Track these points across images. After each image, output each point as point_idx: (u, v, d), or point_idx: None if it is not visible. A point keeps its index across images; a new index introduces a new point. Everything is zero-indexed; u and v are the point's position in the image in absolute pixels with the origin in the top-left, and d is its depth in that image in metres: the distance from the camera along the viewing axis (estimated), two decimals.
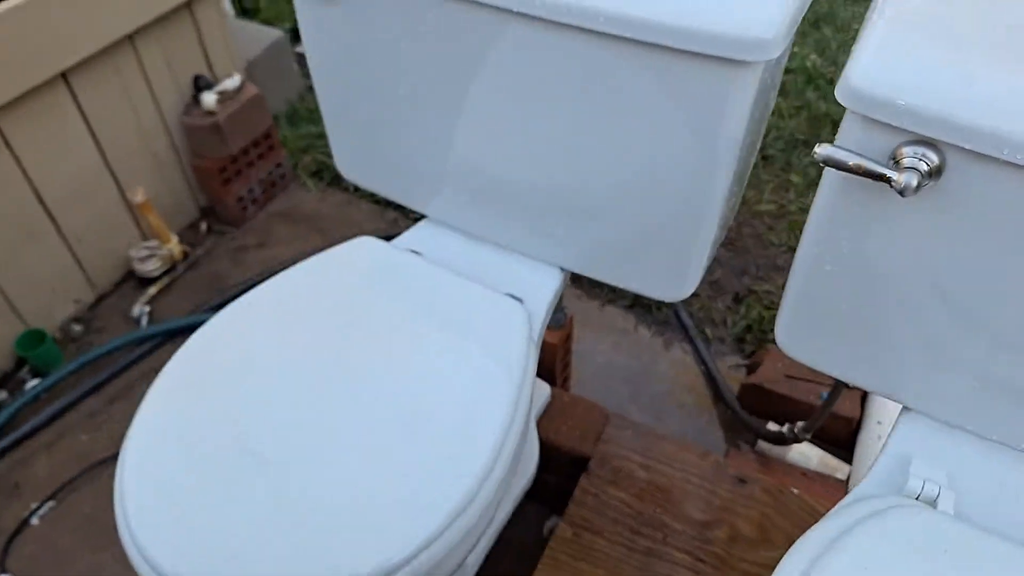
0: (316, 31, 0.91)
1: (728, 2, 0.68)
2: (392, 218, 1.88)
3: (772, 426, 1.38)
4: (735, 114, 0.73)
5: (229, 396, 0.82)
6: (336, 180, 1.95)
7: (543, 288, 0.96)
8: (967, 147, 0.61)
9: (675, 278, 0.89)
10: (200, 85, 1.66)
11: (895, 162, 0.65)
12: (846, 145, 0.67)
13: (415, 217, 1.86)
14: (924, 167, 0.63)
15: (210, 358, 0.87)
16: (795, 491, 1.18)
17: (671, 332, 1.59)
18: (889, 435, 0.83)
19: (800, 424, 1.19)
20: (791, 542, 1.12)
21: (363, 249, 0.97)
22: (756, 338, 1.56)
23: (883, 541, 0.69)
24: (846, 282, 0.75)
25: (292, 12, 2.37)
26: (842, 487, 1.28)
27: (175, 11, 1.56)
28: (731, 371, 1.53)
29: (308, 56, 0.94)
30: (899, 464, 0.79)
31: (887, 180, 0.63)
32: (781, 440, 1.27)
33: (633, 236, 0.87)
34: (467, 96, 0.86)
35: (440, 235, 1.03)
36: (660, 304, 1.63)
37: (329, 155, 1.97)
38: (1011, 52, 0.62)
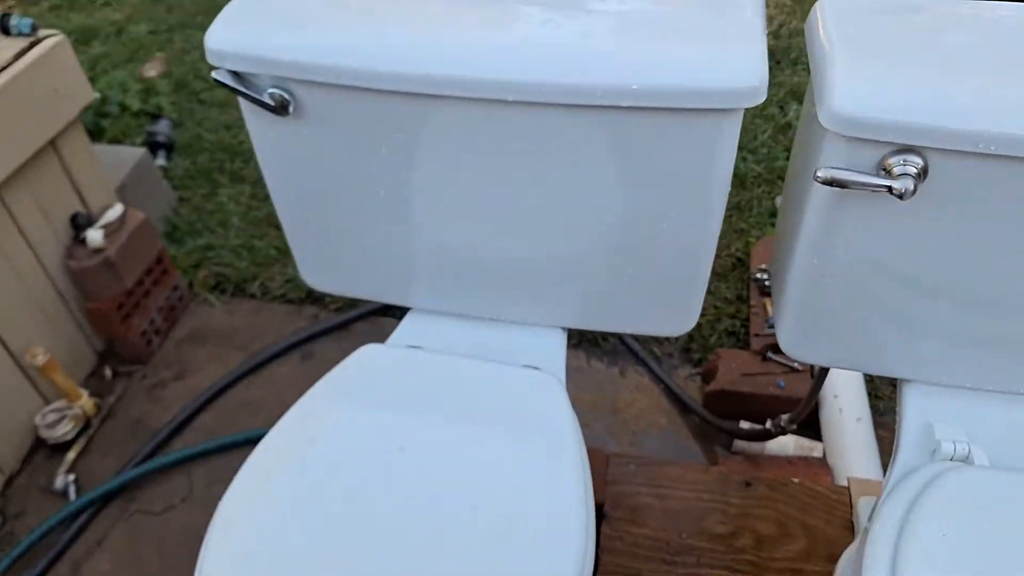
0: (270, 145, 0.87)
1: (710, 57, 0.73)
2: (311, 313, 1.81)
3: (745, 424, 1.46)
4: (725, 156, 0.78)
5: (310, 538, 0.76)
6: (239, 289, 1.85)
7: (554, 352, 0.97)
8: (947, 148, 0.69)
9: (682, 314, 0.93)
10: (79, 223, 1.53)
11: (885, 171, 0.73)
12: (833, 164, 0.74)
13: (336, 307, 1.81)
14: (913, 171, 0.71)
15: (266, 515, 0.79)
16: (795, 480, 1.26)
17: (622, 360, 1.64)
18: (901, 410, 0.91)
19: (785, 416, 1.27)
20: (807, 530, 1.20)
21: (371, 361, 0.93)
22: (700, 345, 1.64)
23: (949, 506, 0.75)
24: (844, 283, 0.82)
25: (140, 126, 2.24)
26: (824, 465, 1.38)
27: (39, 152, 1.43)
28: (688, 382, 1.60)
29: (264, 169, 0.91)
30: (924, 432, 0.87)
31: (888, 189, 0.71)
32: (766, 436, 1.34)
33: (635, 286, 0.91)
34: (440, 186, 0.86)
35: (432, 323, 1.01)
36: (605, 335, 1.68)
37: (225, 264, 1.87)
38: (961, 64, 0.71)
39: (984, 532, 0.73)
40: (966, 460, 0.82)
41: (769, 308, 1.60)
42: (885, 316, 0.85)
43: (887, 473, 0.88)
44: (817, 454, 1.41)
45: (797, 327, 0.90)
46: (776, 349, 1.54)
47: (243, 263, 1.88)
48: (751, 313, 1.61)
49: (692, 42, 0.74)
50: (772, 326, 1.56)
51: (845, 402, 1.43)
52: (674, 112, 0.74)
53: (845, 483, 1.29)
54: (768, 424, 1.33)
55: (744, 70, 0.72)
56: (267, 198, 2.04)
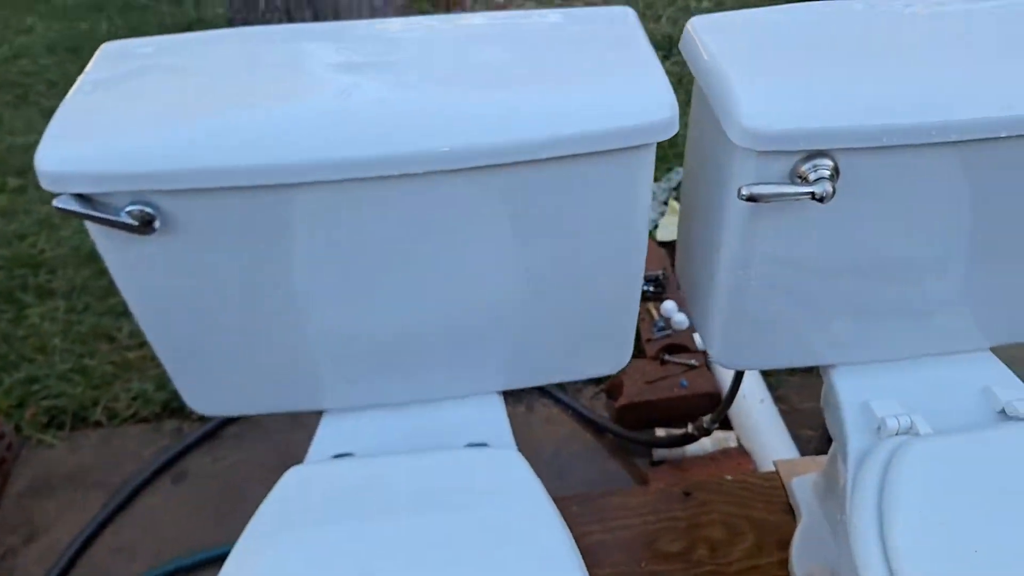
0: (133, 270, 0.74)
1: (615, 95, 0.70)
2: (173, 428, 1.60)
3: (662, 432, 1.47)
4: (643, 189, 0.76)
5: None
6: (80, 419, 1.60)
7: (495, 420, 0.90)
8: (856, 147, 0.71)
9: (618, 349, 0.90)
10: None
11: (800, 178, 0.74)
12: (746, 179, 0.75)
13: (197, 417, 1.61)
14: (827, 173, 0.72)
15: None
16: (728, 477, 1.27)
17: (526, 395, 1.60)
18: (831, 394, 0.94)
19: (706, 418, 1.28)
20: (753, 524, 1.21)
21: (299, 486, 0.81)
22: None
23: (918, 481, 0.78)
24: (770, 287, 0.83)
25: None
26: (742, 452, 1.41)
27: None
28: (594, 402, 1.59)
29: (127, 295, 0.76)
30: (863, 413, 0.90)
31: (811, 195, 0.72)
32: (689, 440, 1.35)
33: (567, 334, 0.87)
34: (331, 275, 0.77)
35: (354, 422, 0.91)
36: None
37: (56, 395, 1.62)
38: (849, 62, 0.74)
39: (961, 496, 0.76)
40: (910, 431, 0.86)
41: (654, 312, 1.63)
42: (811, 309, 0.87)
43: (839, 460, 0.91)
44: (732, 443, 1.45)
45: (729, 339, 0.90)
46: (671, 350, 1.57)
47: (77, 389, 1.63)
48: (639, 320, 1.63)
49: (590, 83, 0.72)
50: (662, 329, 1.58)
51: (746, 387, 1.48)
52: (586, 157, 0.71)
53: (768, 467, 1.33)
54: (689, 428, 1.34)
55: (654, 103, 0.70)
56: (87, 309, 1.79)
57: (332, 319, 0.81)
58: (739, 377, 1.16)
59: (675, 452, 1.44)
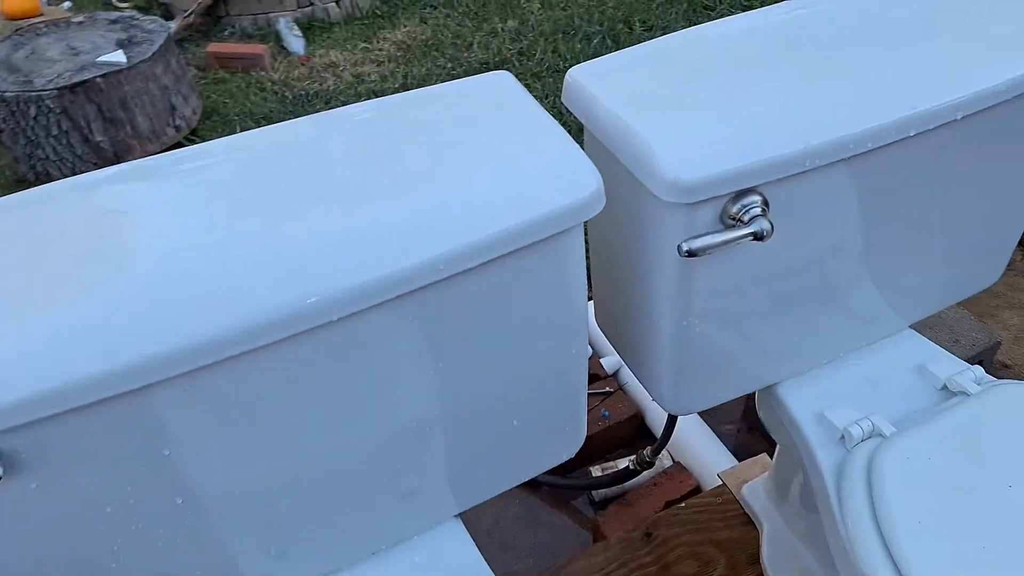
0: None
1: (537, 176, 0.63)
2: None
3: (597, 470, 1.41)
4: (578, 267, 0.69)
5: None
6: None
7: (461, 549, 0.79)
8: (783, 176, 0.68)
9: (571, 435, 0.82)
10: None
11: (732, 219, 0.69)
12: (677, 233, 0.70)
13: None
14: (758, 210, 0.69)
15: None
16: (682, 505, 1.24)
17: None
18: (781, 411, 0.92)
19: (647, 450, 1.24)
20: (720, 547, 1.19)
21: None
22: None
23: (903, 485, 0.76)
24: (714, 328, 0.79)
25: None
26: (681, 469, 1.39)
27: None
28: None
29: None
30: (820, 424, 0.88)
31: (752, 236, 0.67)
32: (632, 476, 1.31)
33: (519, 436, 0.78)
34: (245, 458, 0.64)
35: None
36: None
37: None
38: (751, 90, 0.70)
39: (949, 490, 0.75)
40: (874, 433, 0.85)
41: None
42: (754, 337, 0.84)
43: (800, 469, 0.88)
44: (668, 462, 1.42)
45: (680, 388, 0.85)
46: None
47: None
48: None
49: (498, 170, 0.63)
50: None
51: None
52: (511, 255, 0.62)
53: (710, 479, 1.32)
54: (629, 464, 1.29)
55: (577, 178, 0.63)
56: None
57: (241, 511, 0.66)
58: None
59: (614, 489, 1.39)
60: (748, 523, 1.20)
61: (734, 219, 0.69)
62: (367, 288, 0.57)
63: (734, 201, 0.69)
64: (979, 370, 0.89)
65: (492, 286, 0.64)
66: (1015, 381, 0.86)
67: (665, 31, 2.51)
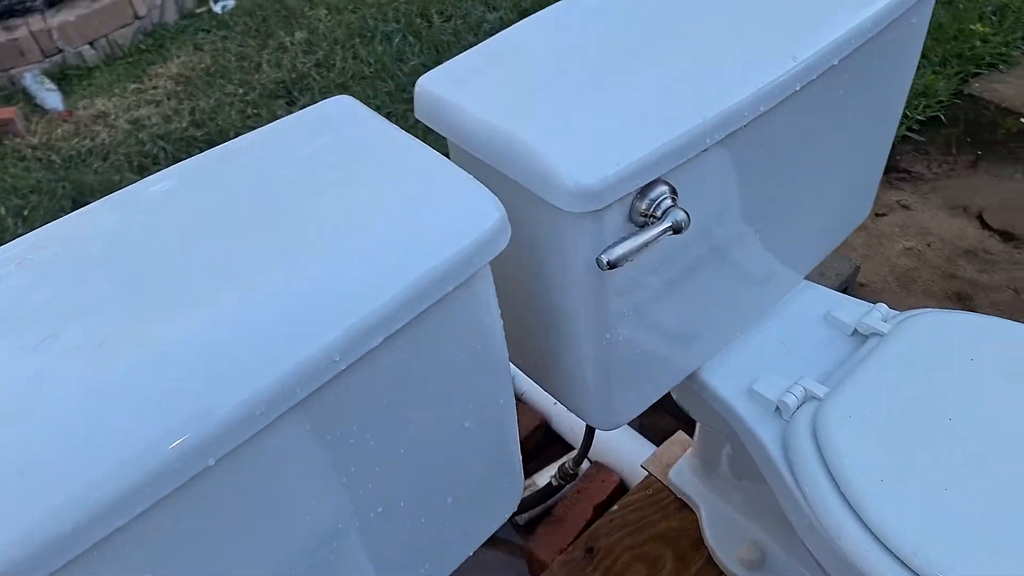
0: None
1: (440, 215, 0.51)
2: None
3: (538, 480, 1.32)
4: (492, 304, 0.58)
5: None
6: None
7: None
8: (685, 159, 0.61)
9: (510, 489, 0.72)
10: None
11: (643, 216, 0.62)
12: (585, 244, 0.61)
13: None
14: (669, 202, 0.61)
15: None
16: (615, 508, 1.18)
17: None
18: (708, 395, 0.87)
19: (569, 461, 1.16)
20: (664, 540, 1.14)
21: None
22: None
23: (853, 446, 0.73)
24: (634, 332, 0.72)
25: None
26: (600, 468, 1.33)
27: None
28: None
29: None
30: (752, 400, 0.84)
31: (672, 231, 0.60)
32: (555, 491, 1.23)
33: (459, 510, 0.66)
34: None
35: None
36: None
37: None
38: (628, 74, 0.63)
39: (900, 440, 0.73)
40: (808, 398, 0.81)
41: None
42: (674, 328, 0.78)
43: (732, 444, 0.84)
44: (585, 463, 1.35)
45: (610, 403, 0.77)
46: None
47: None
48: None
49: (379, 223, 0.51)
50: None
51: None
52: (418, 317, 0.51)
53: (633, 471, 1.27)
54: (552, 481, 1.21)
55: (475, 209, 0.52)
56: None
57: None
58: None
59: (537, 508, 1.31)
60: (684, 507, 1.16)
61: (645, 216, 0.61)
62: (249, 407, 0.43)
63: (641, 197, 0.61)
64: (883, 307, 0.88)
65: (401, 361, 0.52)
66: (919, 311, 0.86)
67: (465, 19, 2.43)
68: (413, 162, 0.55)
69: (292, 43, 2.63)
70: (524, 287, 0.71)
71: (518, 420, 1.37)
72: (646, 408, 0.82)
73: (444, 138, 0.66)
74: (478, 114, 0.61)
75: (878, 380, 0.79)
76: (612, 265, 0.58)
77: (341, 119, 0.59)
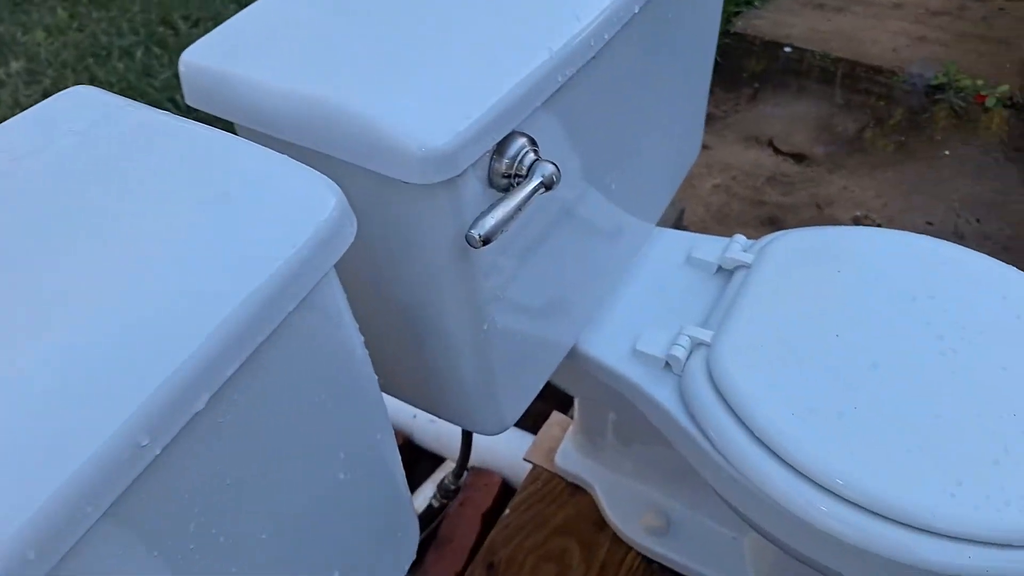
0: None
1: (261, 213, 0.37)
2: None
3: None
4: (346, 315, 0.45)
5: None
6: None
7: None
8: (537, 106, 0.51)
9: (405, 540, 0.60)
10: None
11: (505, 178, 0.51)
12: (445, 222, 0.50)
13: None
14: (532, 155, 0.52)
15: None
16: (506, 512, 1.08)
17: None
18: (591, 366, 0.80)
19: (448, 476, 1.04)
20: (566, 530, 1.07)
21: None
22: None
23: (753, 384, 0.69)
24: (510, 319, 0.62)
25: None
26: (481, 471, 1.22)
27: None
28: None
29: None
30: (639, 361, 0.77)
31: (542, 188, 0.50)
32: (439, 512, 1.10)
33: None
34: None
35: None
36: None
37: None
38: (422, 36, 0.52)
39: (797, 368, 0.69)
40: (695, 344, 0.76)
41: None
42: (548, 303, 0.69)
43: (647, 417, 0.78)
44: (453, 461, 1.24)
45: (496, 403, 0.67)
46: None
47: None
48: None
49: (187, 235, 0.37)
50: None
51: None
52: (258, 349, 0.37)
53: (515, 468, 1.18)
54: (432, 502, 1.09)
55: (314, 198, 0.39)
56: None
57: None
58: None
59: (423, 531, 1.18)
60: (578, 491, 1.09)
61: (508, 177, 0.51)
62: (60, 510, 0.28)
63: (500, 156, 0.50)
64: (741, 238, 0.85)
65: (239, 421, 0.38)
66: (774, 235, 0.84)
67: (217, 20, 2.18)
68: (201, 152, 0.40)
69: (9, 75, 2.23)
70: (376, 291, 0.58)
71: None
72: (532, 398, 0.73)
73: (230, 126, 0.52)
74: (274, 83, 0.47)
75: (759, 311, 0.75)
76: (486, 240, 0.47)
77: (83, 114, 0.42)
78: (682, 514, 1.00)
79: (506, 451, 1.20)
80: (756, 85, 1.92)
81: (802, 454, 0.64)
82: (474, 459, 1.22)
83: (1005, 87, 1.75)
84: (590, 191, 0.67)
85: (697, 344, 0.76)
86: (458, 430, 1.20)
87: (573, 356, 0.80)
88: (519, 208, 0.49)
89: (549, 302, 0.68)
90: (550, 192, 0.51)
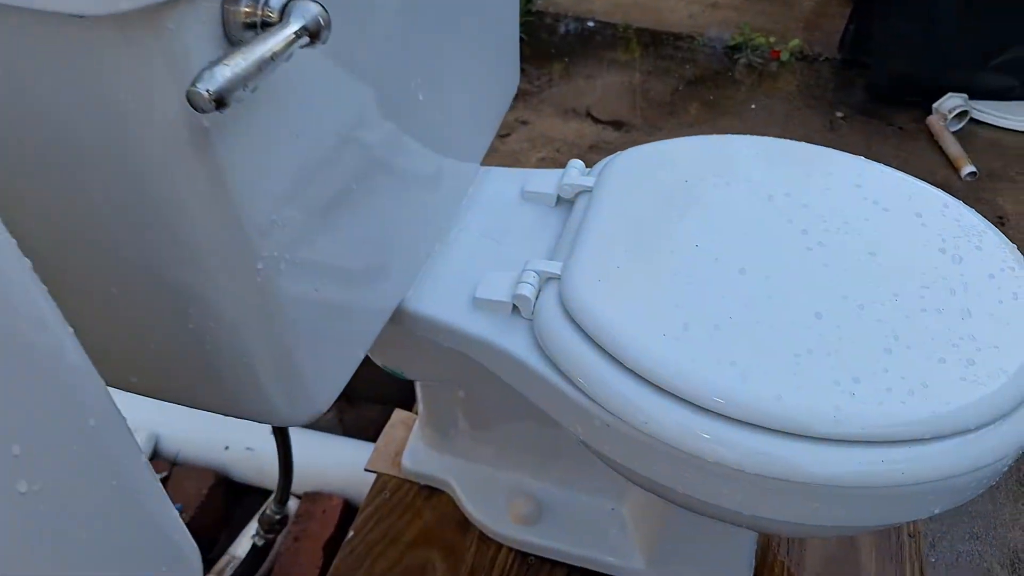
0: None
1: None
2: None
3: (238, 550, 0.98)
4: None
5: None
6: None
7: None
8: None
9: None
10: None
11: (249, 26, 0.36)
12: (161, 86, 0.34)
13: None
14: None
15: None
16: (351, 535, 0.90)
17: None
18: (428, 328, 0.65)
19: (271, 506, 0.85)
20: (426, 541, 0.91)
21: None
22: None
23: (611, 309, 0.58)
24: (296, 251, 0.47)
25: None
26: (318, 496, 1.03)
27: None
28: None
29: None
30: (482, 312, 0.64)
31: (306, 36, 0.36)
32: (267, 550, 0.91)
33: None
34: None
35: None
36: None
37: None
38: None
39: (659, 289, 0.59)
40: (544, 279, 0.64)
41: None
42: (356, 253, 0.54)
43: (509, 380, 0.65)
44: (292, 503, 1.05)
45: (294, 378, 0.51)
46: None
47: None
48: None
49: None
50: None
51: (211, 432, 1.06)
52: None
53: (355, 484, 1.01)
54: (256, 537, 0.89)
55: None
56: None
57: None
58: (286, 439, 0.77)
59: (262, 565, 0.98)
60: (434, 492, 0.93)
61: (253, 25, 0.36)
62: None
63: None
64: (579, 163, 0.75)
65: None
66: (613, 156, 0.74)
67: None
68: None
69: None
70: (82, 216, 0.41)
71: (183, 487, 1.01)
72: (348, 376, 0.57)
73: None
74: None
75: (609, 233, 0.65)
76: (220, 100, 0.32)
77: None
78: (553, 495, 0.88)
79: (343, 467, 1.03)
80: (566, 59, 1.88)
81: (681, 378, 0.54)
82: (307, 483, 1.04)
83: (796, 41, 1.82)
84: (393, 95, 0.53)
85: (546, 279, 0.64)
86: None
87: (401, 319, 0.65)
88: (270, 59, 0.34)
89: (352, 247, 0.53)
90: (325, 107, 0.37)
